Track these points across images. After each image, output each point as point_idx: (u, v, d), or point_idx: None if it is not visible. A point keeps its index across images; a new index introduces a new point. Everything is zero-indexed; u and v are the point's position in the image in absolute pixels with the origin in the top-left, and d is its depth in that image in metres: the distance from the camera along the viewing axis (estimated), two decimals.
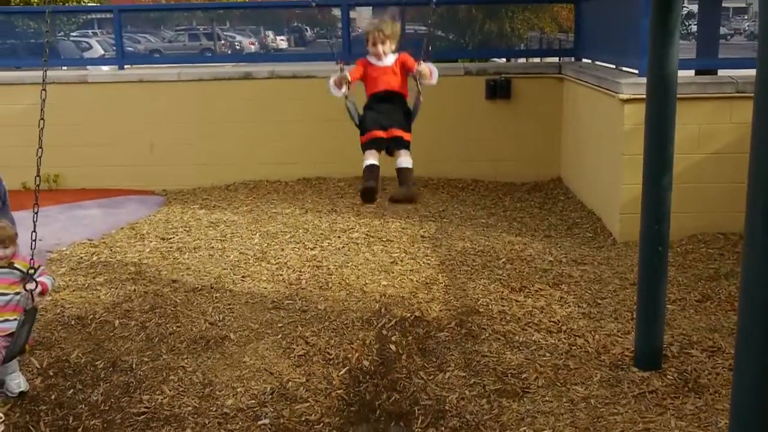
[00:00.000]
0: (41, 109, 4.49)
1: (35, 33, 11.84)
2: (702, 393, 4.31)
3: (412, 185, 4.73)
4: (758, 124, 2.83)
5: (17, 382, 4.51)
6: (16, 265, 4.21)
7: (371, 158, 4.72)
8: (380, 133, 4.65)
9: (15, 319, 4.14)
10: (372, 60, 4.73)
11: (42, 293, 4.22)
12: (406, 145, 4.70)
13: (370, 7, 19.24)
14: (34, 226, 4.39)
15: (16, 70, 10.86)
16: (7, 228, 4.19)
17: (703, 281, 6.09)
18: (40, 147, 4.50)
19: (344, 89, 4.71)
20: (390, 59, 4.69)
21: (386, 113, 4.67)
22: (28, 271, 4.14)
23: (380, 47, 4.65)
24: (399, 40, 4.78)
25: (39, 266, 4.17)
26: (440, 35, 10.56)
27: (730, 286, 5.88)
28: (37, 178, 4.59)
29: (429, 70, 4.67)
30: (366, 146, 4.74)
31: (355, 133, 10.30)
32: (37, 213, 4.48)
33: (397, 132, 4.64)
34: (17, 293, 4.18)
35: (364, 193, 4.68)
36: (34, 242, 4.37)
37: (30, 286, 4.10)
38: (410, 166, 4.71)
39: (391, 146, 4.72)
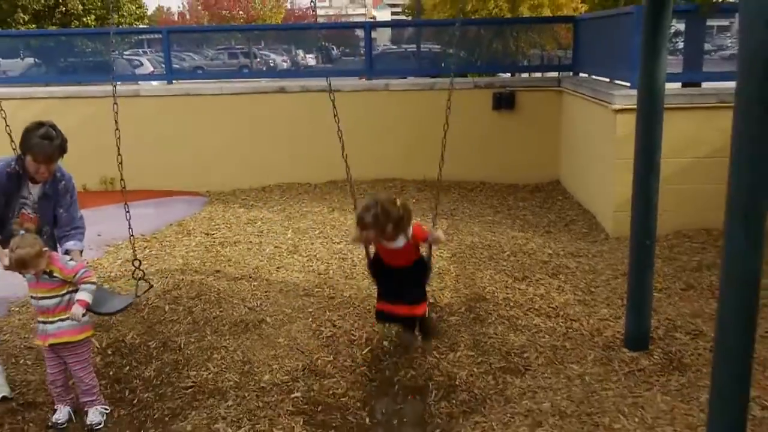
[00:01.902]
0: (115, 120, 4.57)
1: (92, 52, 11.95)
2: (685, 371, 4.31)
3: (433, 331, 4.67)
4: (738, 132, 2.83)
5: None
6: (55, 273, 3.77)
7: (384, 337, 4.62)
8: (396, 311, 4.33)
9: (66, 318, 3.79)
10: (383, 241, 4.25)
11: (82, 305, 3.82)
12: (424, 320, 4.47)
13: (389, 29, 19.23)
14: (130, 232, 4.71)
15: (76, 85, 10.96)
16: (27, 250, 3.64)
17: (687, 272, 6.06)
18: (119, 154, 4.64)
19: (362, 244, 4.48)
20: (400, 242, 4.19)
21: (401, 283, 4.32)
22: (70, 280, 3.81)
23: (381, 236, 4.14)
24: (398, 221, 4.08)
25: (76, 273, 3.81)
26: (452, 53, 10.55)
27: (711, 276, 5.85)
28: (122, 181, 4.73)
29: (441, 238, 4.40)
30: (379, 317, 4.54)
31: (375, 141, 10.37)
32: (128, 212, 4.75)
33: (415, 310, 4.33)
34: (67, 293, 3.82)
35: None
36: (131, 238, 4.53)
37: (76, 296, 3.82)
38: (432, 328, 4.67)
39: (406, 325, 4.48)
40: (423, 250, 4.45)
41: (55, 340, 3.81)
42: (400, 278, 4.33)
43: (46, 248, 3.76)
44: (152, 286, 4.84)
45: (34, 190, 4.13)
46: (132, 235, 4.90)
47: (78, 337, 3.85)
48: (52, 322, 3.80)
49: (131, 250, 5.08)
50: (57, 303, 3.80)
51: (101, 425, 3.89)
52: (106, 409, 4.01)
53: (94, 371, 4.03)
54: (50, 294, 3.79)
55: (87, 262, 4.29)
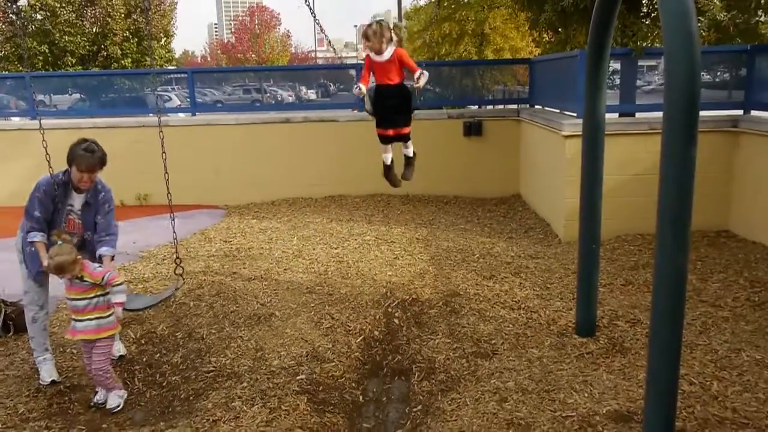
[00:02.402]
0: (161, 145, 4.51)
1: (129, 89, 11.90)
2: (626, 354, 4.31)
3: (413, 166, 5.03)
4: (665, 153, 2.85)
5: (117, 348, 4.52)
6: (85, 278, 3.72)
7: (387, 153, 4.92)
8: (390, 132, 4.72)
9: (96, 318, 3.75)
10: (372, 55, 4.54)
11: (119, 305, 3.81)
12: (408, 137, 4.83)
13: None
14: (174, 236, 4.71)
15: (115, 117, 10.90)
16: (64, 257, 3.61)
17: (626, 270, 6.08)
18: (166, 172, 4.58)
19: (363, 90, 4.66)
20: (387, 54, 4.47)
21: (393, 111, 4.65)
22: (99, 283, 3.74)
23: (377, 45, 4.45)
24: (394, 38, 4.52)
25: (103, 277, 3.73)
26: (428, 89, 10.57)
27: (646, 274, 5.87)
28: (169, 195, 4.68)
29: (424, 77, 4.56)
30: (381, 140, 4.82)
31: (366, 163, 10.35)
32: (173, 221, 4.75)
33: (403, 131, 4.74)
34: (95, 296, 3.75)
35: (390, 181, 5.07)
36: (176, 257, 4.51)
37: (114, 299, 3.79)
38: (411, 152, 4.96)
39: (399, 139, 4.83)
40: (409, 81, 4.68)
41: (81, 336, 3.78)
42: (391, 106, 4.61)
43: (79, 256, 3.74)
44: (183, 281, 4.77)
45: (78, 199, 4.08)
46: (175, 239, 4.85)
47: (96, 335, 3.78)
48: (80, 320, 3.76)
49: (165, 255, 5.01)
50: (86, 304, 3.75)
51: (119, 407, 3.84)
52: (123, 395, 3.94)
53: (110, 364, 3.91)
54: (81, 296, 3.74)
55: (116, 268, 4.19)
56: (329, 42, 5.26)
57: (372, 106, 4.70)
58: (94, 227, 4.12)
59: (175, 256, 4.68)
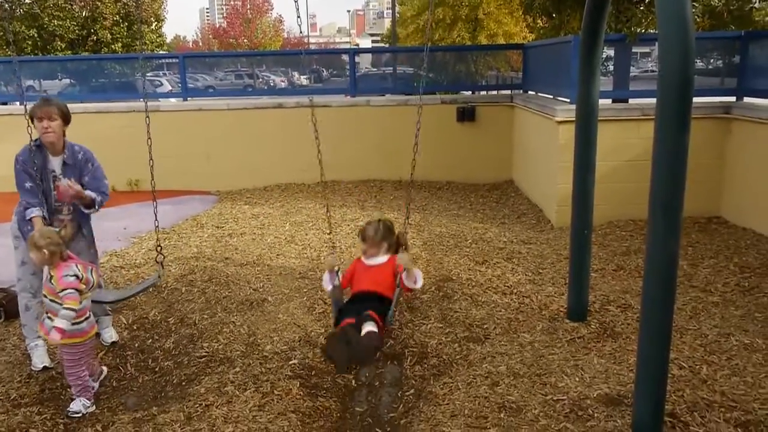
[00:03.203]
0: (147, 131, 4.39)
1: (119, 74, 11.80)
2: (617, 338, 4.33)
3: (373, 344, 3.42)
4: (658, 139, 2.85)
5: (109, 335, 4.51)
6: (52, 281, 3.46)
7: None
8: (350, 320, 3.57)
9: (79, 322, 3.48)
10: (364, 258, 4.05)
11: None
12: (373, 319, 3.51)
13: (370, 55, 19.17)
14: (156, 224, 4.42)
15: (105, 102, 10.81)
16: (44, 236, 3.39)
17: (618, 256, 6.10)
18: (151, 159, 4.47)
19: (335, 281, 3.91)
20: (382, 259, 3.99)
21: (362, 304, 3.68)
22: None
23: (375, 249, 4.00)
24: (391, 244, 4.06)
25: (64, 290, 3.41)
26: (423, 74, 10.54)
27: (637, 259, 5.90)
28: (153, 182, 4.54)
29: (413, 273, 3.79)
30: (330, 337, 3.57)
31: (358, 144, 10.33)
32: (156, 209, 4.51)
33: (368, 312, 3.55)
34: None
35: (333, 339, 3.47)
36: (159, 251, 4.35)
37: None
38: (375, 330, 3.44)
39: (359, 322, 3.50)
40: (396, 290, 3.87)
41: (47, 338, 3.50)
42: (365, 302, 3.72)
43: (62, 248, 3.48)
44: (163, 269, 4.61)
45: (56, 162, 4.00)
46: (157, 227, 4.61)
47: (62, 341, 3.46)
48: (51, 320, 3.47)
49: (155, 241, 4.95)
50: (56, 308, 3.46)
51: (78, 415, 3.57)
52: (88, 405, 3.64)
53: (82, 372, 3.64)
54: (52, 298, 3.48)
55: (102, 275, 3.96)
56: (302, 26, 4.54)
57: (335, 315, 3.82)
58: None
59: (156, 243, 4.54)
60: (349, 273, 4.07)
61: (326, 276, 3.98)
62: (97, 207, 4.09)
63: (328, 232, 5.28)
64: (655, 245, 2.94)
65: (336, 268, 3.95)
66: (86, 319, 3.60)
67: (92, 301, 3.75)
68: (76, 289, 3.47)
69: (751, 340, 4.20)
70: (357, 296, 3.86)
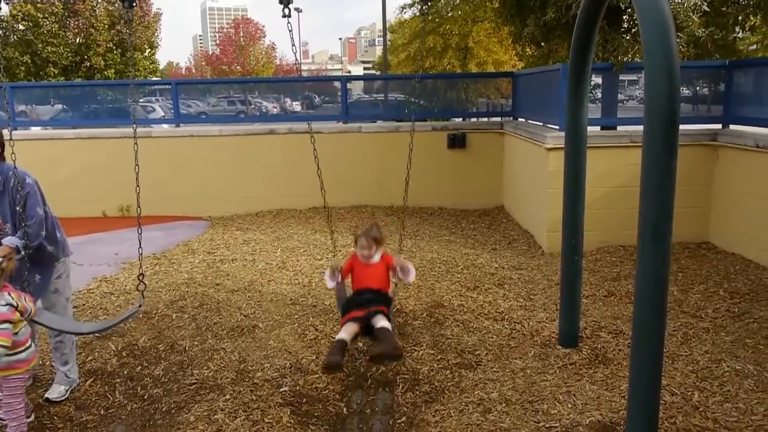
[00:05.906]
0: (135, 157, 4.38)
1: (112, 100, 11.83)
2: (609, 364, 4.33)
3: (393, 342, 3.85)
4: (646, 165, 2.89)
5: (57, 392, 4.04)
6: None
7: (344, 333, 3.96)
8: (358, 313, 4.08)
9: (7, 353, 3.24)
10: (361, 259, 4.47)
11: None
12: (384, 312, 4.07)
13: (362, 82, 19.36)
14: (140, 251, 4.32)
15: (98, 128, 10.81)
16: None
17: (608, 281, 6.12)
18: (138, 186, 4.39)
19: (337, 279, 4.48)
20: (376, 259, 4.45)
21: (367, 298, 4.21)
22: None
23: (369, 251, 4.43)
24: (383, 244, 4.56)
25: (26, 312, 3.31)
26: (414, 101, 10.64)
27: (628, 285, 5.92)
28: (139, 209, 4.45)
29: (407, 268, 4.40)
30: (345, 324, 4.10)
31: (350, 170, 10.34)
32: (140, 235, 4.39)
33: (375, 307, 4.09)
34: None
35: (328, 367, 3.75)
36: (141, 279, 4.24)
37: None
38: (389, 326, 3.96)
39: (369, 317, 4.05)
40: (392, 283, 4.57)
41: None
42: (368, 296, 4.25)
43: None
44: (140, 306, 4.52)
45: None
46: (141, 254, 4.43)
47: (6, 372, 3.29)
48: None
49: (147, 267, 4.86)
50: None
51: None
52: None
53: (20, 404, 3.43)
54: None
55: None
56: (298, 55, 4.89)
57: (342, 308, 4.35)
58: (15, 219, 3.72)
59: (139, 272, 4.36)
60: (348, 266, 4.52)
61: (328, 273, 4.51)
62: (22, 251, 3.59)
63: (329, 236, 5.54)
64: (644, 271, 2.96)
65: (339, 269, 4.48)
66: (26, 349, 3.38)
67: (65, 332, 3.64)
68: (9, 321, 3.24)
69: (743, 366, 4.21)
70: (360, 292, 4.33)
